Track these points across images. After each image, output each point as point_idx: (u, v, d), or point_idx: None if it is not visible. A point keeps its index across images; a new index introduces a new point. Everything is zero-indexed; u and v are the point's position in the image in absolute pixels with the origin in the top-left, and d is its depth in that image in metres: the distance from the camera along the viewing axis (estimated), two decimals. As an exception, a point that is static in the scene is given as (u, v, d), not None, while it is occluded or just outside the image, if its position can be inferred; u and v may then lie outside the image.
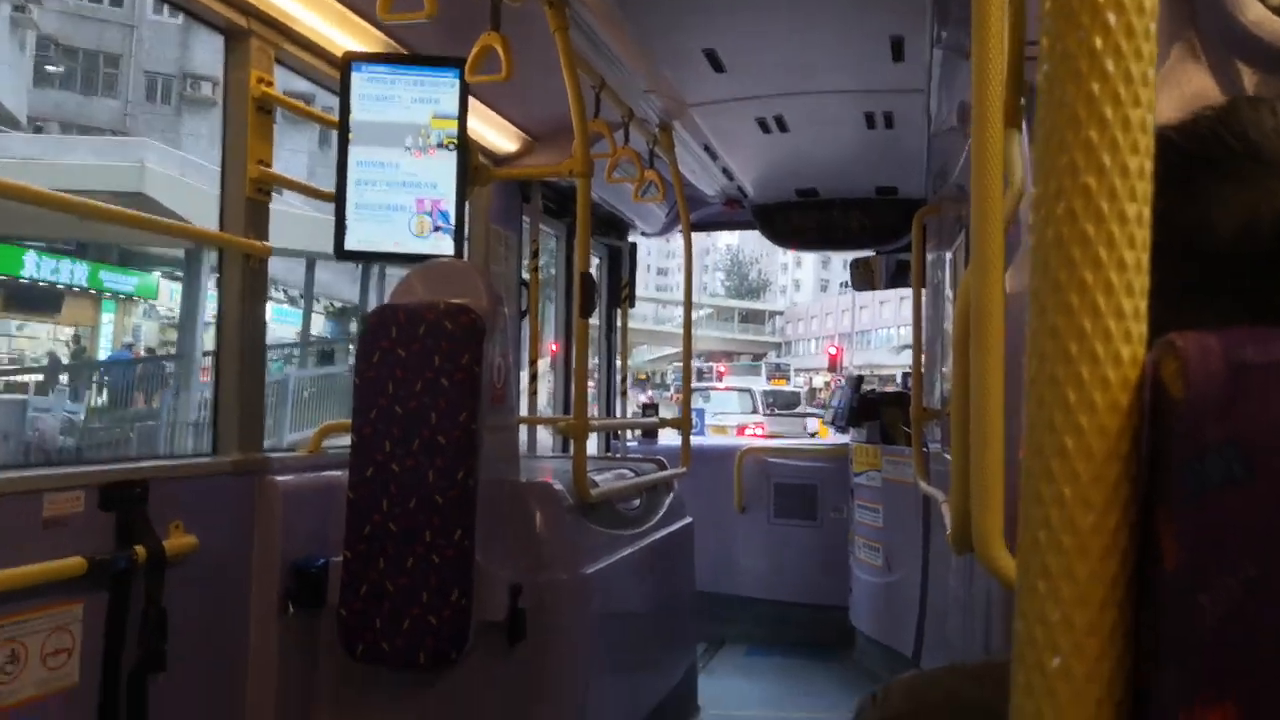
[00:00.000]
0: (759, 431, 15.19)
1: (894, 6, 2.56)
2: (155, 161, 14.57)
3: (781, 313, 64.21)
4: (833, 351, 38.63)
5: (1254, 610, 0.35)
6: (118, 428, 14.20)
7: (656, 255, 62.63)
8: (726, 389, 22.98)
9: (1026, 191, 1.31)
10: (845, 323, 52.72)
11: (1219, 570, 0.36)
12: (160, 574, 1.94)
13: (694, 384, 20.18)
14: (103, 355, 19.07)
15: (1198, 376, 0.38)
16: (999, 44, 0.94)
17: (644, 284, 63.11)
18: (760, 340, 60.63)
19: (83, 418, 14.23)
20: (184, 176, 14.43)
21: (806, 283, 70.02)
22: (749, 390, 22.31)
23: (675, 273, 64.09)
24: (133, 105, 24.85)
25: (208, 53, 22.52)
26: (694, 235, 4.33)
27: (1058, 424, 0.40)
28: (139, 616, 1.91)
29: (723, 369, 34.94)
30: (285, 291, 20.60)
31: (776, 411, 21.74)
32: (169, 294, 22.11)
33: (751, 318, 64.25)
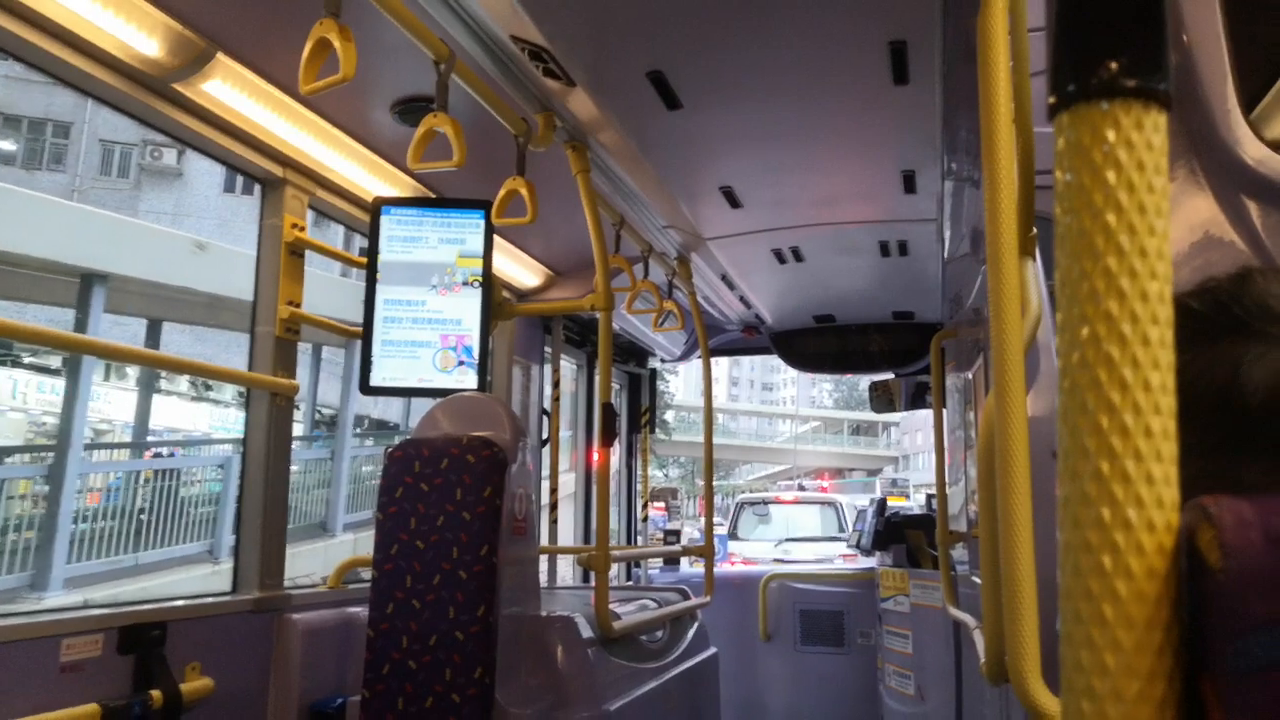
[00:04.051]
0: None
1: (904, 141, 2.65)
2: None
3: (897, 423, 55.20)
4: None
5: None
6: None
7: (761, 370, 59.91)
8: (795, 501, 15.60)
9: (1044, 317, 1.33)
10: (972, 430, 46.77)
11: None
12: (176, 719, 1.90)
13: (759, 498, 17.19)
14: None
15: (1235, 547, 0.38)
16: (1009, 177, 0.97)
17: (747, 398, 60.14)
18: (874, 454, 53.86)
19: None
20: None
21: (925, 390, 64.08)
22: (834, 504, 15.20)
23: (781, 387, 61.20)
24: (83, 179, 21.32)
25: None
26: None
27: (1095, 591, 0.40)
28: None
29: (826, 484, 27.99)
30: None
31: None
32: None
33: (864, 429, 56.93)
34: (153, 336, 14.34)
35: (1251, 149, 1.25)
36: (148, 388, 16.26)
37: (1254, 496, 0.40)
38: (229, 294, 12.28)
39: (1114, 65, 0.41)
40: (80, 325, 10.76)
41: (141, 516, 11.21)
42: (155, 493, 11.55)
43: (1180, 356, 0.43)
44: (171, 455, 13.87)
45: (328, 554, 11.84)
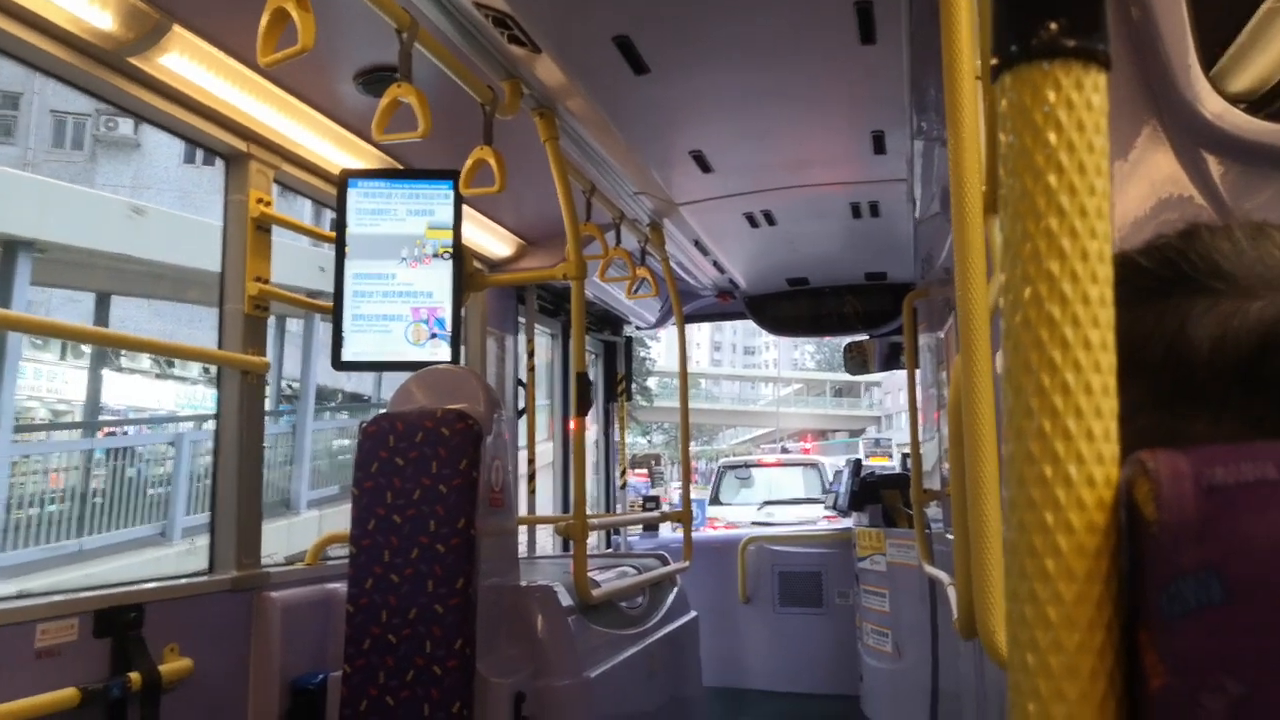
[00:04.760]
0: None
1: (873, 103, 2.64)
2: None
3: (879, 383, 54.01)
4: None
5: None
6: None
7: (743, 334, 59.78)
8: (777, 464, 15.46)
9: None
10: (955, 387, 46.41)
11: (1204, 692, 0.36)
12: (155, 700, 1.90)
13: (741, 460, 16.97)
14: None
15: (1169, 499, 0.39)
16: (974, 135, 0.97)
17: (729, 362, 59.93)
18: (857, 415, 53.68)
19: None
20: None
21: (905, 349, 62.48)
22: (816, 465, 14.99)
23: (763, 350, 60.73)
24: (35, 151, 20.26)
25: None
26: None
27: (1038, 546, 0.41)
28: None
29: (809, 445, 28.11)
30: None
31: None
32: None
33: (847, 391, 56.90)
34: (101, 311, 13.63)
35: (1211, 103, 1.26)
36: (99, 364, 15.22)
37: (1191, 449, 0.41)
38: (172, 261, 11.62)
39: (1054, 25, 0.41)
40: (3, 298, 9.67)
41: (92, 499, 10.49)
42: (105, 473, 10.91)
43: (1131, 313, 0.43)
44: (126, 434, 13.40)
45: (290, 532, 11.38)
